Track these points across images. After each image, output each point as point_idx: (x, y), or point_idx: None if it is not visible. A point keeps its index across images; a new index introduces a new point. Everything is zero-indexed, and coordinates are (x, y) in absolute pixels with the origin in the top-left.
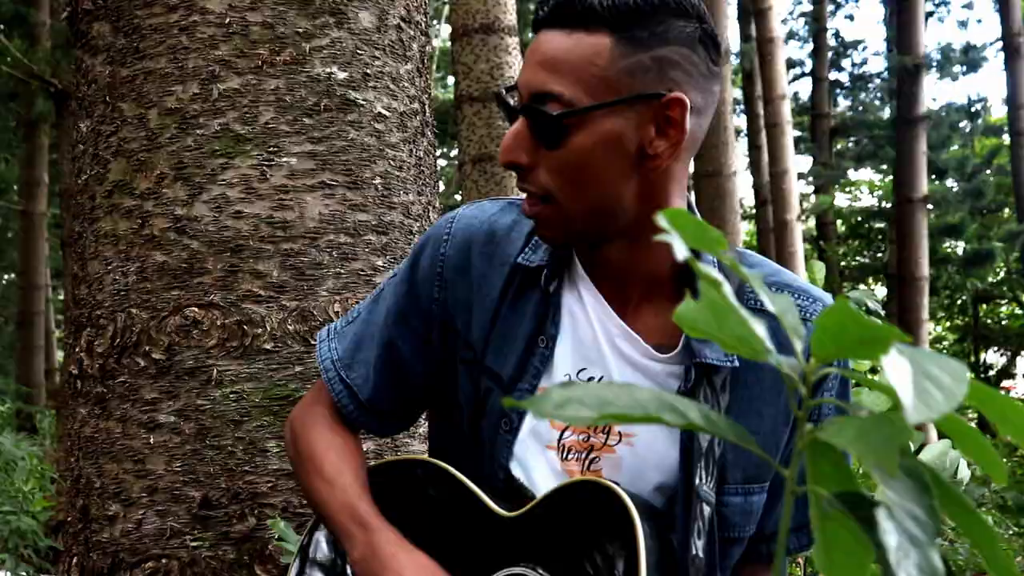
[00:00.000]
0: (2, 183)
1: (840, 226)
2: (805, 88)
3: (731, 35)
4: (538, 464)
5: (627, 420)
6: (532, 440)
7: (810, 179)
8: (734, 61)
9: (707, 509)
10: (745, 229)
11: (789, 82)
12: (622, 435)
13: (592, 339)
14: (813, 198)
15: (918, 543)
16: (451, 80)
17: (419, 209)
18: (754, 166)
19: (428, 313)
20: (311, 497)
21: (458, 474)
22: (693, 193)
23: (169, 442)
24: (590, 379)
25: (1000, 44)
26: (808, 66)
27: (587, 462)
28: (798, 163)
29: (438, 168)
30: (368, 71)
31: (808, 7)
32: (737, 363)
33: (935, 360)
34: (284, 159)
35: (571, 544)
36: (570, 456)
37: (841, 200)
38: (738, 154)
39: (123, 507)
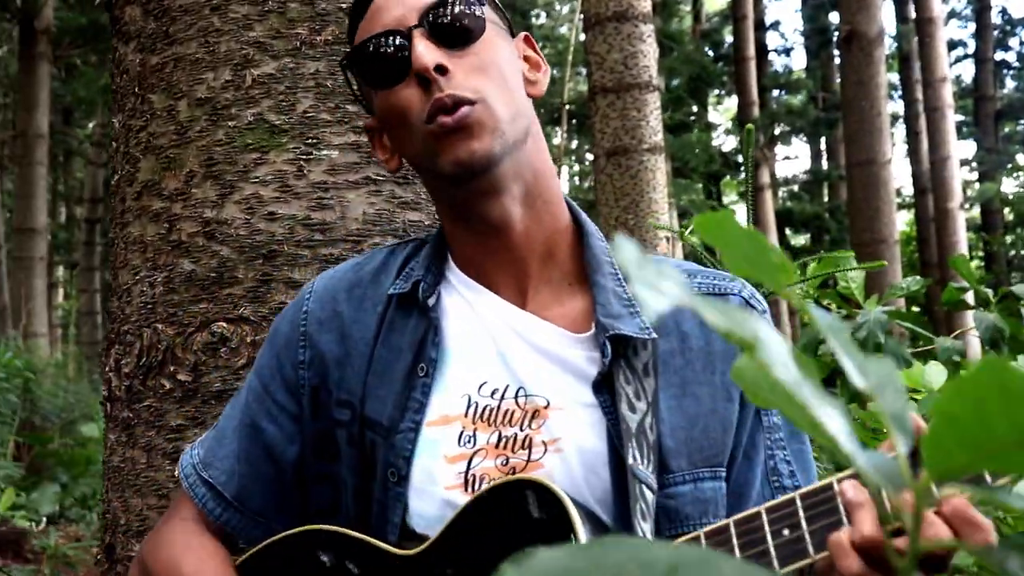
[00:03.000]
0: None
1: (1007, 214)
2: (968, 70)
3: (886, 16)
4: (439, 510)
5: None
6: (428, 485)
7: (973, 165)
8: (890, 44)
9: (648, 492)
10: (904, 219)
11: (950, 64)
12: (547, 444)
13: (489, 346)
14: (977, 185)
15: None
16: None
17: None
18: (913, 153)
19: (295, 384)
20: None
21: (353, 532)
22: (845, 183)
23: None
24: (494, 391)
25: None
26: (971, 47)
27: None
28: (960, 149)
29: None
30: None
31: None
32: (655, 335)
33: None
34: (324, 152)
35: (496, 557)
36: (483, 487)
37: (1008, 186)
38: (892, 140)
39: None
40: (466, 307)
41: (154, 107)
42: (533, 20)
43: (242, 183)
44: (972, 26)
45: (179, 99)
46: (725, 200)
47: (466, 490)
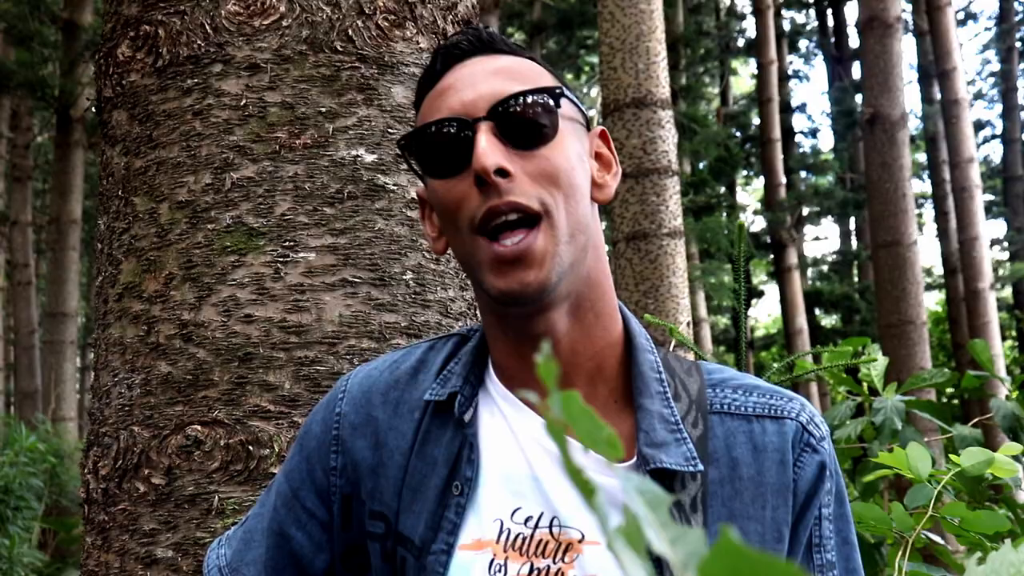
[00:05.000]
0: None
1: None
2: (996, 150)
3: (912, 97)
4: None
5: None
6: None
7: (1004, 244)
8: (916, 125)
9: None
10: (935, 298)
11: (978, 145)
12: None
13: (524, 469)
14: (1008, 264)
15: None
16: None
17: (461, 306)
18: (942, 233)
19: (326, 490)
20: None
21: None
22: (872, 264)
23: None
24: (527, 519)
25: None
26: (998, 127)
27: None
28: (991, 228)
29: None
30: None
31: (996, 67)
32: (701, 467)
33: None
34: (301, 254)
35: None
36: None
37: None
38: (921, 220)
39: None
40: (503, 424)
41: (136, 210)
42: None
43: (220, 285)
44: (999, 107)
45: (161, 202)
46: (754, 280)
47: None
